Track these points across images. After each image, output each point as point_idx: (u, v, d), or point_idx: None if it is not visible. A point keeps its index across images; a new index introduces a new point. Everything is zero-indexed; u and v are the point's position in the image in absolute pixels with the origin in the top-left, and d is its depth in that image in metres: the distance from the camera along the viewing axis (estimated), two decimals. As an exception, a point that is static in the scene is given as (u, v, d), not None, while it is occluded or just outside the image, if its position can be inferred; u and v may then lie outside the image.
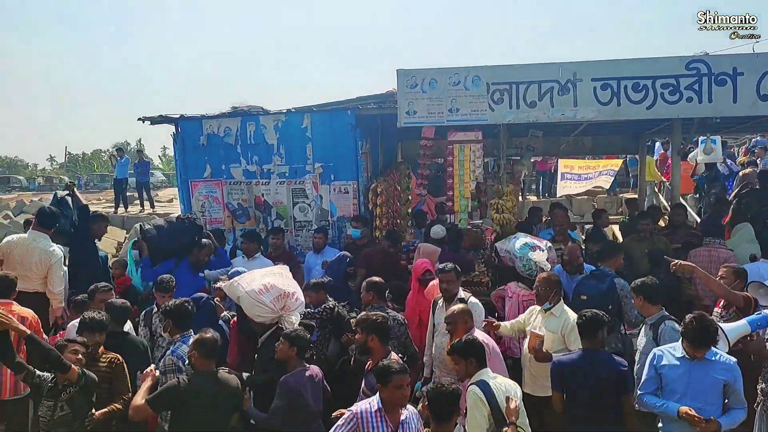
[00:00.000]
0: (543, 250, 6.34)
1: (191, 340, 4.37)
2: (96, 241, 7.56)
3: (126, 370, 4.62)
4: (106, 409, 4.29)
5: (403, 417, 3.72)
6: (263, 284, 5.09)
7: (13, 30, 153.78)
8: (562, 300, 5.22)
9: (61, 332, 5.58)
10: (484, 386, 3.92)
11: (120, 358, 4.62)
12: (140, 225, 7.35)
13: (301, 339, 4.54)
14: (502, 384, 4.03)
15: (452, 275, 5.41)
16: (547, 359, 4.64)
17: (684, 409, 3.93)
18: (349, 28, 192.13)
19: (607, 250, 6.35)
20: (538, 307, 5.25)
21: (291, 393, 4.36)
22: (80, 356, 4.17)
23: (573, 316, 4.99)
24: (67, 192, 7.33)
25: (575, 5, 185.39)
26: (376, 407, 3.70)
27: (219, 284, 6.03)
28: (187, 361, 4.38)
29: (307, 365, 4.61)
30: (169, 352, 4.71)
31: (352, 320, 5.20)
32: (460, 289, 5.52)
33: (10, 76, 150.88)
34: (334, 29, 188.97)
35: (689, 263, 5.27)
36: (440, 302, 5.50)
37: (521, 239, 6.53)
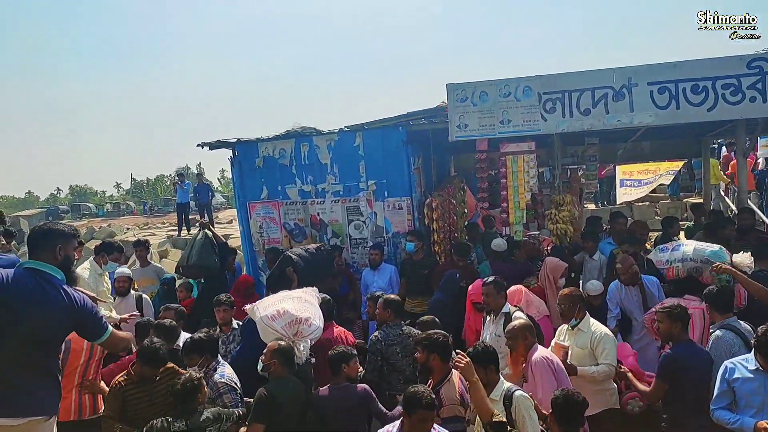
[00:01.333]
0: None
1: (272, 350, 4.54)
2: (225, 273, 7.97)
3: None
4: None
5: None
6: (277, 310, 4.98)
7: (79, 66, 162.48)
8: (587, 314, 5.10)
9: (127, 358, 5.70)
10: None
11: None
12: (288, 256, 7.24)
13: (336, 355, 4.74)
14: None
15: (491, 288, 5.37)
16: (572, 372, 4.62)
17: (762, 424, 3.74)
18: (397, 42, 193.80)
19: (764, 250, 5.87)
20: (566, 326, 5.15)
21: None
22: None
23: (600, 329, 4.94)
24: (208, 231, 7.97)
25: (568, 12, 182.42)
26: None
27: (245, 307, 5.80)
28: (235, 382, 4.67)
29: (346, 383, 4.66)
30: (217, 376, 4.72)
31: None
32: (507, 303, 5.46)
33: (79, 109, 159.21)
34: (382, 44, 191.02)
35: (728, 267, 5.25)
36: (488, 317, 5.48)
37: (700, 246, 5.85)
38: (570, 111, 7.25)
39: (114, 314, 6.44)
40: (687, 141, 11.49)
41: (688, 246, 5.95)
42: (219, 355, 5.01)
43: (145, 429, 4.02)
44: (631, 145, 11.09)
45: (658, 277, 6.26)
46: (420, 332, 5.44)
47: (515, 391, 3.91)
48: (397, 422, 3.66)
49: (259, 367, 4.62)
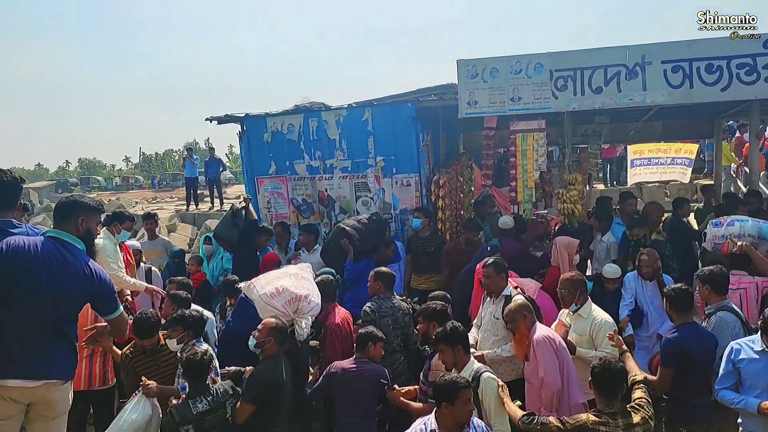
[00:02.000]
0: None
1: (269, 327, 4.53)
2: (257, 252, 7.79)
3: None
4: None
5: None
6: (276, 288, 4.94)
7: (89, 39, 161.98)
8: (589, 300, 5.07)
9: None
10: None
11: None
12: (342, 228, 7.18)
13: (366, 333, 4.75)
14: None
15: (491, 270, 5.23)
16: (571, 351, 4.62)
17: (766, 404, 3.77)
18: (410, 19, 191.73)
19: None
20: (566, 311, 5.13)
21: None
22: None
23: (601, 315, 4.91)
24: (243, 205, 7.95)
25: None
26: (430, 428, 3.48)
27: (239, 285, 5.61)
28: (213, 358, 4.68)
29: (367, 359, 4.67)
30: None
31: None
32: (509, 285, 5.32)
33: (89, 82, 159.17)
34: (393, 21, 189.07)
35: (746, 244, 5.39)
36: (488, 298, 5.37)
37: (757, 222, 5.80)
38: (582, 89, 7.16)
39: (144, 283, 6.52)
40: (700, 121, 11.32)
41: (746, 222, 5.87)
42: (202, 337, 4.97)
43: (167, 411, 4.08)
44: (643, 124, 10.95)
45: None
46: (407, 305, 5.61)
47: (483, 372, 4.00)
48: (431, 416, 3.56)
49: (251, 343, 4.54)
